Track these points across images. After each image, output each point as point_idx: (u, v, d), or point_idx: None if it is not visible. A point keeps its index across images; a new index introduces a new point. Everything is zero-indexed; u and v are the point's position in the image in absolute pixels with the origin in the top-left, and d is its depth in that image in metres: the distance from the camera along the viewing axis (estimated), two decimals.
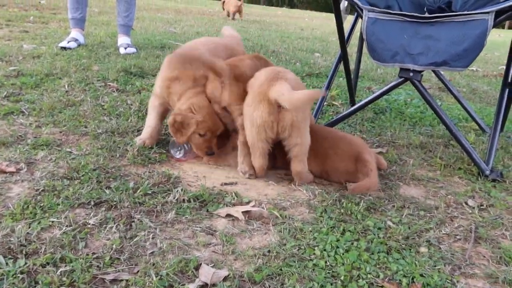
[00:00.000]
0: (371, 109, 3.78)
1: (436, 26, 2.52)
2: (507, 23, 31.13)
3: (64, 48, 4.81)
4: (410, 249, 1.76)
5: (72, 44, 4.94)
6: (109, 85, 3.63)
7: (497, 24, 2.53)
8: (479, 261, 1.75)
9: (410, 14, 2.56)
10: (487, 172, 2.49)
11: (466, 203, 2.20)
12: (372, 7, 2.63)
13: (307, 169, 2.24)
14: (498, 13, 2.41)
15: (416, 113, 3.76)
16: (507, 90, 2.86)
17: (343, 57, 3.19)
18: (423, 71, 2.59)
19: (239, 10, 12.40)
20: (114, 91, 3.49)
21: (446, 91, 4.77)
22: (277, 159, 2.39)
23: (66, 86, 3.43)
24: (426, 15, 2.58)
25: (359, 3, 2.66)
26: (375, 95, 2.80)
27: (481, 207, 2.17)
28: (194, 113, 2.31)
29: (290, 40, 8.02)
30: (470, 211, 2.12)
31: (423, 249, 1.77)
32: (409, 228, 1.90)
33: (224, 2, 12.71)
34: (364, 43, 2.67)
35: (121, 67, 4.15)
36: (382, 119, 3.55)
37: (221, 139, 2.50)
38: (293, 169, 2.23)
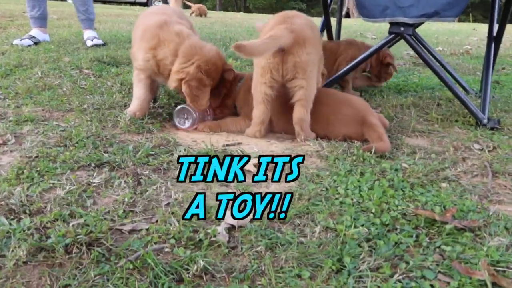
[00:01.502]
0: None
1: None
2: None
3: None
4: (432, 185, 1.71)
5: (26, 42, 4.65)
6: (84, 72, 3.46)
7: None
8: (502, 190, 1.71)
9: None
10: (485, 121, 2.48)
11: (473, 147, 2.17)
12: None
13: (309, 119, 2.15)
14: None
15: (399, 82, 3.76)
16: (493, 44, 2.88)
17: (326, 23, 3.15)
18: (414, 24, 2.56)
19: (204, 12, 12.41)
20: (90, 77, 3.32)
21: (421, 65, 4.81)
22: (274, 124, 2.30)
23: (39, 73, 3.24)
24: None
25: None
26: (367, 53, 2.75)
27: (488, 149, 2.14)
28: (203, 71, 2.22)
29: (257, 34, 7.97)
30: (479, 152, 2.10)
31: (444, 185, 1.72)
32: (425, 167, 1.84)
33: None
34: (352, 0, 2.63)
35: (93, 56, 3.98)
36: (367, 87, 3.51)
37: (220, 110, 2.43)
38: (294, 115, 2.14)
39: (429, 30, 11.17)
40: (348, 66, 2.78)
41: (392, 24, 2.60)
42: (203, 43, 2.31)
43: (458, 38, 9.62)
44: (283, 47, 2.05)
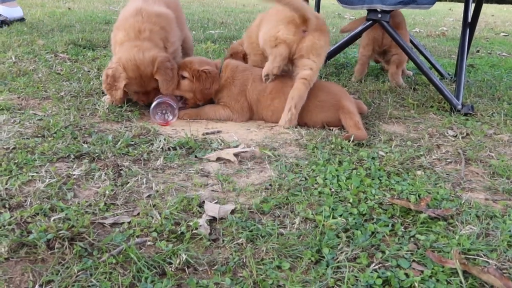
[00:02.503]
0: (331, 65, 3.77)
1: None
2: None
3: None
4: (407, 173, 1.75)
5: None
6: (60, 56, 3.39)
7: None
8: (474, 177, 1.77)
9: None
10: (459, 107, 2.54)
11: (447, 134, 2.22)
12: None
13: (304, 101, 2.20)
14: None
15: (376, 67, 3.79)
16: (467, 30, 2.92)
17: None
18: (391, 11, 2.59)
19: None
20: (66, 61, 3.27)
21: None
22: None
23: (13, 58, 3.17)
24: None
25: None
26: (345, 39, 2.77)
27: (462, 135, 2.20)
28: (123, 68, 2.17)
29: (235, 14, 7.90)
30: (453, 139, 2.15)
31: (419, 172, 1.77)
32: (401, 155, 1.89)
33: None
34: None
35: (68, 39, 3.90)
36: (344, 73, 3.53)
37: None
38: (293, 92, 2.18)
39: (407, 10, 11.21)
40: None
41: (369, 11, 2.62)
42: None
43: (434, 19, 9.71)
44: (305, 18, 2.14)
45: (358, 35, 2.81)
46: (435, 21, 8.97)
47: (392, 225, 1.39)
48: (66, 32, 4.35)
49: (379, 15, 2.59)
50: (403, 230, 1.38)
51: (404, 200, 1.51)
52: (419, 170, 1.79)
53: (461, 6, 15.85)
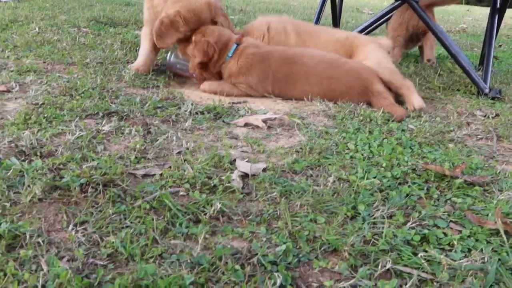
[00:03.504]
0: None
1: None
2: None
3: None
4: (439, 145, 1.72)
5: None
6: (83, 30, 3.40)
7: None
8: (507, 153, 1.74)
9: None
10: (487, 91, 2.50)
11: (476, 113, 2.19)
12: None
13: None
14: None
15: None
16: (496, 16, 2.87)
17: None
18: None
19: None
20: (89, 34, 3.26)
21: None
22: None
23: (37, 29, 3.18)
24: None
25: None
26: (374, 18, 2.74)
27: (491, 115, 2.16)
28: (181, 17, 2.18)
29: (253, 4, 7.88)
30: (483, 118, 2.12)
31: (451, 145, 1.74)
32: (431, 129, 1.86)
33: None
34: None
35: (90, 16, 3.91)
36: None
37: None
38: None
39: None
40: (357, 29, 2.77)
41: None
42: None
43: (453, 17, 9.62)
44: None
45: (385, 15, 2.78)
46: (454, 19, 8.89)
47: (427, 189, 1.37)
48: (87, 10, 4.36)
49: None
50: (439, 193, 1.35)
51: (439, 166, 1.48)
52: (450, 143, 1.76)
53: (478, 9, 15.72)
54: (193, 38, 2.22)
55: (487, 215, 1.23)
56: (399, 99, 2.22)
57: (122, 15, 4.24)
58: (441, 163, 1.53)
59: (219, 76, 2.28)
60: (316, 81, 2.15)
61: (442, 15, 9.51)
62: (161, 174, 1.34)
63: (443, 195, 1.34)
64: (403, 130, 1.83)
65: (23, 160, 1.34)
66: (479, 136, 1.88)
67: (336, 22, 3.48)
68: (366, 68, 2.23)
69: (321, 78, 2.15)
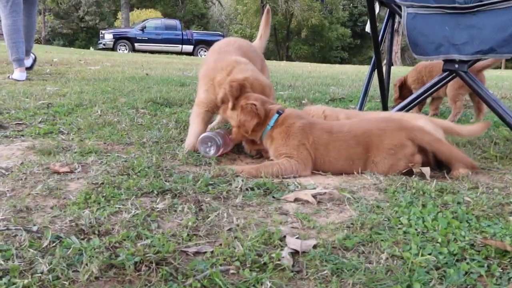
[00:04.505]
0: None
1: (477, 15, 2.51)
2: (503, 63, 31.74)
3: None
4: (498, 218, 1.65)
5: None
6: (140, 111, 3.60)
7: None
8: None
9: (450, 6, 2.56)
10: None
11: None
12: (410, 3, 2.63)
13: None
14: None
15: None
16: None
17: (377, 59, 3.18)
18: (469, 61, 2.56)
19: None
20: (146, 115, 3.46)
21: (471, 107, 4.74)
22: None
23: (99, 112, 3.40)
24: (467, 5, 2.58)
25: (397, 0, 2.67)
26: (420, 91, 2.75)
27: None
28: (249, 83, 2.33)
29: (302, 79, 8.10)
30: None
31: (511, 219, 1.66)
32: (489, 201, 1.79)
33: None
34: (406, 39, 2.66)
35: (147, 97, 4.15)
36: None
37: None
38: None
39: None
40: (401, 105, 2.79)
41: (446, 61, 2.60)
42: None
43: (507, 83, 9.44)
44: None
45: (432, 87, 2.78)
46: (509, 85, 8.72)
47: (488, 266, 1.30)
48: (145, 92, 4.63)
49: (456, 65, 2.57)
50: (501, 271, 1.28)
51: (499, 241, 1.41)
52: (510, 216, 1.68)
53: None
54: (240, 103, 2.29)
55: None
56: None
57: (177, 95, 4.47)
58: (501, 238, 1.46)
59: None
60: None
61: (496, 82, 9.37)
62: (212, 252, 1.35)
63: (506, 273, 1.27)
64: (458, 203, 1.78)
65: (82, 239, 1.40)
66: None
67: (384, 95, 3.52)
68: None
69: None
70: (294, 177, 2.12)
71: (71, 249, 1.31)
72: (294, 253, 1.36)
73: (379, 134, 2.16)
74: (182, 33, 24.58)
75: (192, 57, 20.62)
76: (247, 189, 1.89)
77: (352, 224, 1.57)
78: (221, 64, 2.44)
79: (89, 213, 1.55)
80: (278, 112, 2.29)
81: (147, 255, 1.27)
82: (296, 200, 1.81)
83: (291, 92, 5.63)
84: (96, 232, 1.44)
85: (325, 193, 1.85)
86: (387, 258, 1.33)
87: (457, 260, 1.33)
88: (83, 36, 42.03)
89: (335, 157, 2.19)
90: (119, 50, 22.59)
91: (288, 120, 2.26)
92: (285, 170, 2.14)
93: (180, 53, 22.56)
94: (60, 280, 1.17)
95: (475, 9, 2.52)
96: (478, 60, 3.04)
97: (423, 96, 2.87)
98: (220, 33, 27.42)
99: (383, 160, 2.13)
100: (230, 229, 1.51)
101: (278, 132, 2.25)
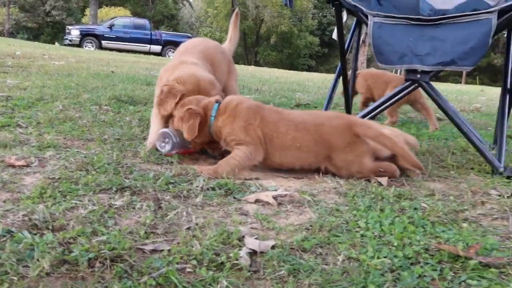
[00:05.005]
0: None
1: (440, 27, 2.58)
2: (464, 78, 32.83)
3: None
4: (452, 224, 1.70)
5: None
6: (104, 108, 3.53)
7: (500, 30, 2.63)
8: None
9: (415, 17, 2.62)
10: (501, 170, 2.48)
11: (491, 193, 2.16)
12: (376, 12, 2.68)
13: None
14: (501, 13, 2.49)
15: (411, 133, 3.78)
16: (508, 96, 2.92)
17: (342, 67, 3.23)
18: (431, 72, 2.63)
19: None
20: (109, 112, 3.39)
21: None
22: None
23: (60, 107, 3.32)
24: (431, 17, 2.64)
25: (364, 8, 2.72)
26: (382, 100, 2.81)
27: (507, 194, 2.13)
28: (180, 84, 2.32)
29: (269, 84, 8.14)
30: (498, 197, 2.09)
31: (465, 225, 1.71)
32: (444, 208, 1.84)
33: None
34: (371, 48, 2.71)
35: (112, 94, 4.08)
36: None
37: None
38: None
39: (437, 88, 11.34)
40: (363, 112, 2.83)
41: (409, 71, 2.67)
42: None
43: (466, 97, 9.77)
44: None
45: (396, 95, 2.84)
46: (468, 99, 9.02)
47: (441, 270, 1.33)
48: (109, 89, 4.55)
49: (419, 76, 2.63)
50: (453, 275, 1.31)
51: (452, 246, 1.45)
52: (464, 222, 1.73)
53: (492, 89, 15.96)
54: (178, 116, 2.25)
55: None
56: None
57: (143, 94, 4.41)
58: (454, 243, 1.50)
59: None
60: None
61: (456, 95, 9.68)
62: (169, 250, 1.33)
63: (457, 277, 1.30)
64: (415, 209, 1.81)
65: (35, 234, 1.36)
66: (494, 216, 1.85)
67: (348, 102, 3.57)
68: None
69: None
70: (256, 178, 2.12)
71: (22, 244, 1.26)
72: (252, 253, 1.36)
73: (330, 132, 2.18)
74: (151, 33, 24.30)
75: (160, 57, 20.41)
76: (208, 189, 1.88)
77: (311, 226, 1.58)
78: (171, 64, 2.48)
79: (44, 208, 1.50)
80: (217, 102, 2.27)
81: (102, 251, 1.24)
82: (257, 201, 1.81)
83: (258, 96, 5.65)
84: (50, 227, 1.40)
85: (286, 195, 1.86)
86: (343, 260, 1.34)
87: (411, 264, 1.36)
88: (49, 31, 41.00)
89: (285, 133, 2.17)
90: (86, 47, 22.13)
91: (231, 104, 2.23)
92: (240, 160, 2.12)
93: (148, 53, 22.30)
94: (9, 275, 1.13)
95: (438, 22, 2.59)
96: (440, 71, 3.12)
97: (385, 105, 2.92)
98: (189, 35, 27.23)
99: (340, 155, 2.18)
100: (188, 228, 1.50)
101: (223, 120, 2.21)
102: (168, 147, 2.30)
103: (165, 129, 2.33)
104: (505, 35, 2.84)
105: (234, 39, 3.38)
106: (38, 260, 1.19)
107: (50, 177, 1.81)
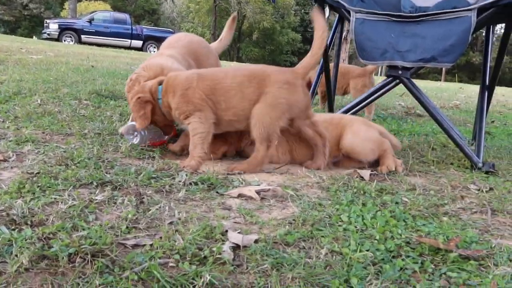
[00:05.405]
0: None
1: (421, 24, 2.61)
2: (443, 76, 33.28)
3: None
4: (433, 218, 1.72)
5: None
6: (84, 102, 3.48)
7: (479, 27, 2.66)
8: (502, 226, 1.73)
9: (396, 14, 2.64)
10: (480, 165, 2.52)
11: (470, 187, 2.20)
12: (359, 9, 2.70)
13: None
14: (480, 11, 2.52)
15: (393, 128, 3.82)
16: (486, 92, 2.97)
17: (324, 64, 3.24)
18: (412, 68, 2.65)
19: None
20: (90, 107, 3.35)
21: (412, 115, 4.93)
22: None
23: (39, 101, 3.26)
24: (412, 14, 2.67)
25: (346, 4, 2.72)
26: (364, 95, 2.82)
27: (485, 189, 2.17)
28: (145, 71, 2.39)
29: None
30: (477, 192, 2.12)
31: (445, 218, 1.73)
32: (425, 202, 1.86)
33: None
34: (354, 44, 2.72)
35: (92, 89, 4.02)
36: None
37: None
38: None
39: (418, 84, 11.47)
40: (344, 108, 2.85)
41: (390, 67, 2.69)
42: None
43: (446, 94, 9.91)
44: None
45: (377, 91, 2.86)
46: (447, 96, 9.15)
47: (422, 262, 1.34)
48: (89, 84, 4.49)
49: (400, 72, 2.65)
50: (433, 267, 1.33)
51: (433, 239, 1.47)
52: (444, 216, 1.76)
53: (470, 87, 16.22)
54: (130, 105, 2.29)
55: None
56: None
57: (123, 88, 4.33)
58: (435, 236, 1.52)
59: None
60: None
61: (436, 92, 9.81)
62: (151, 245, 1.32)
63: (438, 269, 1.32)
64: (397, 203, 1.83)
65: (13, 229, 1.33)
66: (473, 210, 1.88)
67: (330, 97, 3.59)
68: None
69: None
70: (239, 173, 2.11)
71: (0, 239, 1.24)
72: (235, 248, 1.36)
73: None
74: (131, 27, 23.99)
75: (141, 52, 20.20)
76: (190, 184, 1.86)
77: (294, 220, 1.58)
78: (151, 57, 2.54)
79: (22, 203, 1.47)
80: (159, 84, 2.26)
81: (83, 246, 1.22)
82: (240, 195, 1.81)
83: None
84: (29, 222, 1.37)
85: (269, 189, 1.86)
86: (326, 254, 1.34)
87: (393, 257, 1.37)
88: (26, 25, 40.19)
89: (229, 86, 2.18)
90: (65, 41, 21.74)
91: (170, 80, 2.23)
92: (197, 131, 2.14)
93: (129, 48, 22.04)
94: None
95: (420, 19, 2.61)
96: (421, 67, 3.16)
97: (367, 101, 2.95)
98: (171, 30, 26.93)
99: None
100: (171, 223, 1.48)
101: (167, 99, 2.21)
102: (136, 140, 2.31)
103: (133, 123, 2.31)
104: (483, 34, 2.89)
105: (225, 41, 3.38)
106: (16, 255, 1.17)
107: (29, 171, 1.77)
